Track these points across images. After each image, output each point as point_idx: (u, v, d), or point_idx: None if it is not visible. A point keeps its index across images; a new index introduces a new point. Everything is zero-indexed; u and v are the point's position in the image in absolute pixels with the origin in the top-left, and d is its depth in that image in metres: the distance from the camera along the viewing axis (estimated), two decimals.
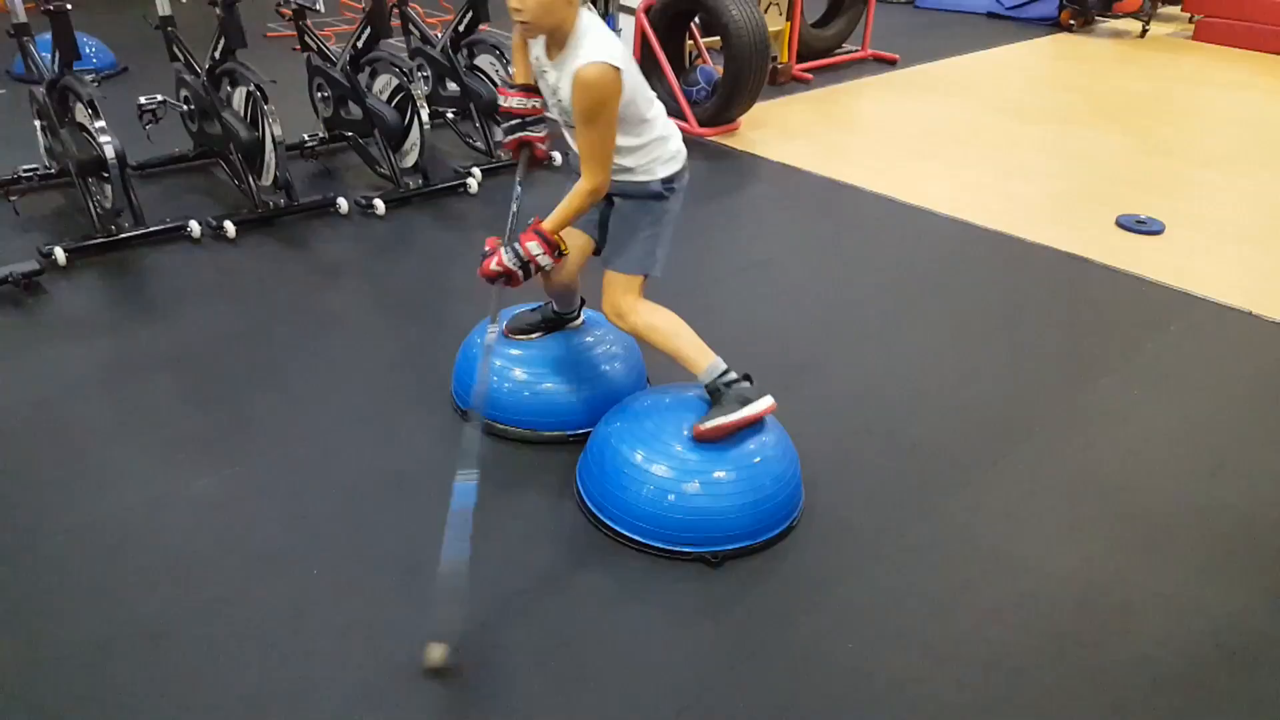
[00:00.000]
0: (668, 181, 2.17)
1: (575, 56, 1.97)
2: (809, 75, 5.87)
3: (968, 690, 1.86)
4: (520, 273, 2.14)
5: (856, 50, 6.38)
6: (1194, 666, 1.93)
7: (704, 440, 2.14)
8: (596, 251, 2.33)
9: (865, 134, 5.16)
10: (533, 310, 2.59)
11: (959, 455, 2.55)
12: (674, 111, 4.91)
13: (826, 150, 4.79)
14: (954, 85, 6.05)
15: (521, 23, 1.97)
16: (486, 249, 2.18)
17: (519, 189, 2.29)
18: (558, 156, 3.80)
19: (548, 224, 2.12)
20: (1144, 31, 7.60)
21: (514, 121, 2.28)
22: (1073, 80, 6.40)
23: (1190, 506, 2.39)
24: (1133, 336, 3.19)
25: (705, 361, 2.17)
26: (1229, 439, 2.67)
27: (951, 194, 4.27)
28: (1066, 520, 2.34)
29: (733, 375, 2.18)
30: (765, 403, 2.18)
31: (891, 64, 6.30)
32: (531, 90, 2.24)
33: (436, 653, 1.79)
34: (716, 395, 2.17)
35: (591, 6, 2.06)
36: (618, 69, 1.94)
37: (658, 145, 2.14)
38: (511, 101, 2.26)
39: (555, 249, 2.12)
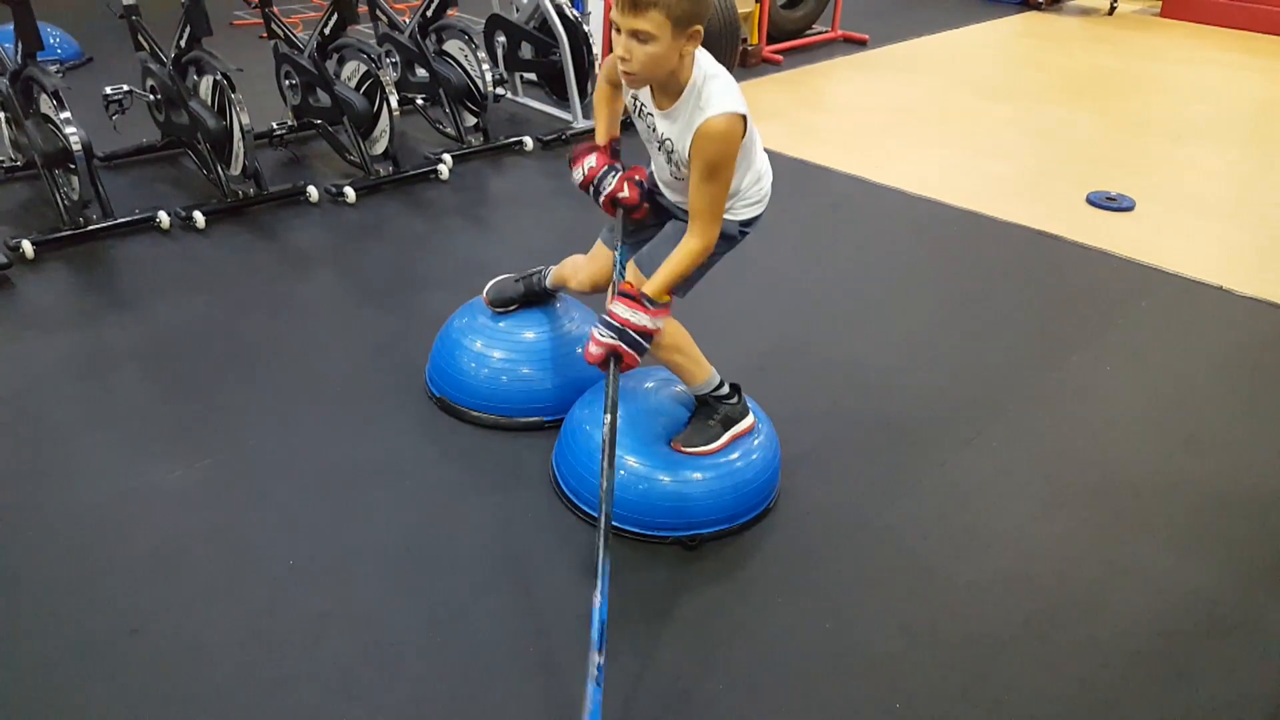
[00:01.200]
0: (745, 225, 2.06)
1: (697, 108, 1.80)
2: (779, 57, 5.87)
3: (946, 668, 1.88)
4: (624, 345, 1.89)
5: (826, 31, 6.37)
6: (1169, 640, 1.97)
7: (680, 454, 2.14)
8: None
9: (836, 115, 5.17)
10: (517, 280, 2.53)
11: (933, 434, 2.57)
12: None
13: (798, 131, 4.79)
14: (924, 64, 6.07)
15: (627, 73, 1.79)
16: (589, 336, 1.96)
17: (619, 254, 2.09)
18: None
19: (652, 287, 1.91)
20: (1112, 9, 7.64)
21: (592, 188, 2.11)
22: (1042, 58, 6.43)
23: (1163, 480, 2.43)
24: (1104, 313, 3.22)
25: (703, 375, 2.13)
26: (1200, 413, 2.71)
27: (923, 173, 4.29)
28: (1041, 497, 2.37)
29: (725, 390, 2.16)
30: (747, 423, 2.19)
31: (862, 44, 6.31)
32: (587, 151, 2.10)
33: None
34: (704, 405, 2.17)
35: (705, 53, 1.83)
36: (743, 116, 1.81)
37: (752, 187, 2.02)
38: (575, 174, 2.11)
39: (652, 303, 1.90)
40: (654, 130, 1.94)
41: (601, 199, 2.10)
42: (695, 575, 2.08)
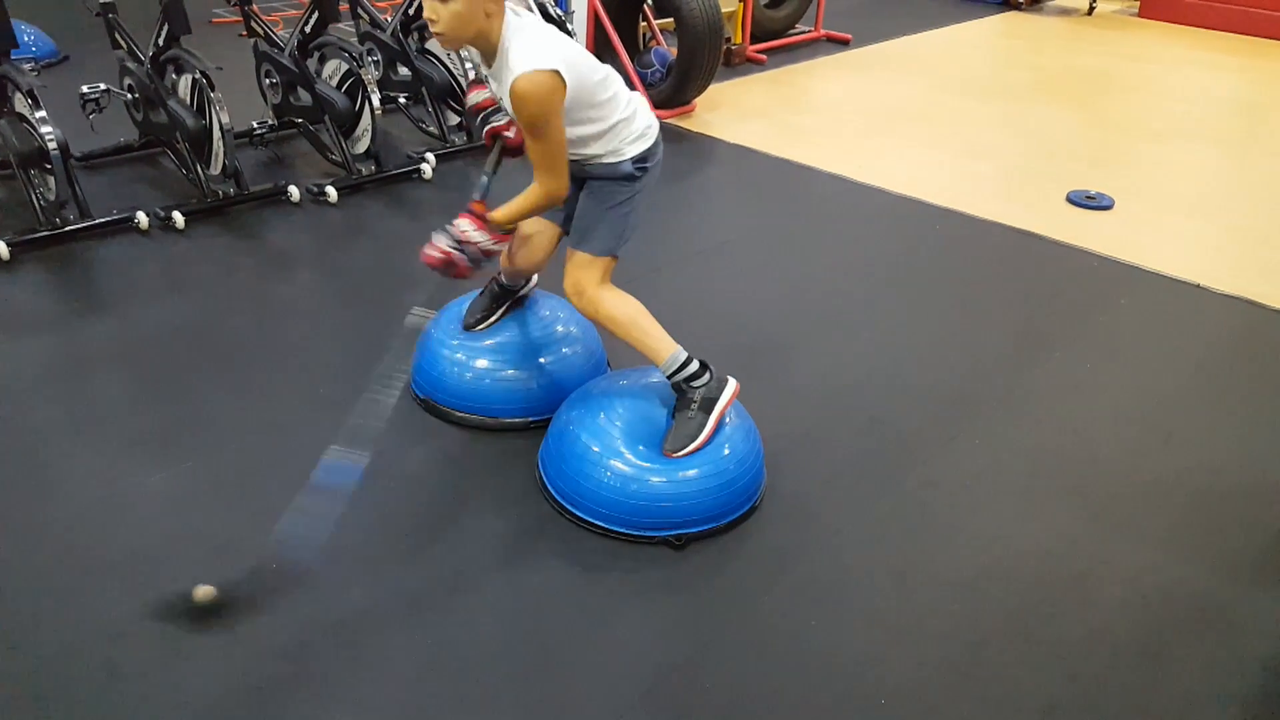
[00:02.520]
0: (639, 161, 2.09)
1: (506, 68, 1.86)
2: (763, 56, 5.88)
3: (929, 665, 1.89)
4: (460, 256, 2.04)
5: (809, 30, 6.39)
6: (1150, 635, 1.99)
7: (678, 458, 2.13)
8: (567, 231, 2.25)
9: (820, 114, 5.19)
10: (481, 294, 2.53)
11: (916, 432, 2.59)
12: None
13: (782, 131, 4.80)
14: (906, 64, 6.10)
15: (438, 34, 1.85)
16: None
17: (485, 179, 2.16)
18: None
19: (498, 214, 2.05)
20: (1091, 9, 7.71)
21: (480, 116, 2.19)
22: (1023, 58, 6.48)
23: (1143, 477, 2.45)
24: (1084, 311, 3.25)
25: (667, 351, 2.14)
26: (1180, 410, 2.74)
27: (905, 173, 4.31)
28: (1022, 494, 2.38)
29: (694, 367, 2.15)
30: (730, 390, 2.19)
31: (844, 44, 6.33)
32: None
33: (204, 592, 1.88)
34: (681, 395, 2.16)
35: (518, 8, 1.91)
36: (552, 71, 1.83)
37: (622, 126, 2.05)
38: (471, 97, 2.20)
39: (492, 225, 2.04)
40: (495, 94, 2.05)
41: (485, 130, 2.19)
42: (682, 574, 2.08)
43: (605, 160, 2.07)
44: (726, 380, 2.21)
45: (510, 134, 2.16)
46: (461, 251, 2.03)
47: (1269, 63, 6.50)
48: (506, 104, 1.92)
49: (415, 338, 2.12)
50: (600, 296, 2.13)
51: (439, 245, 2.03)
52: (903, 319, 3.17)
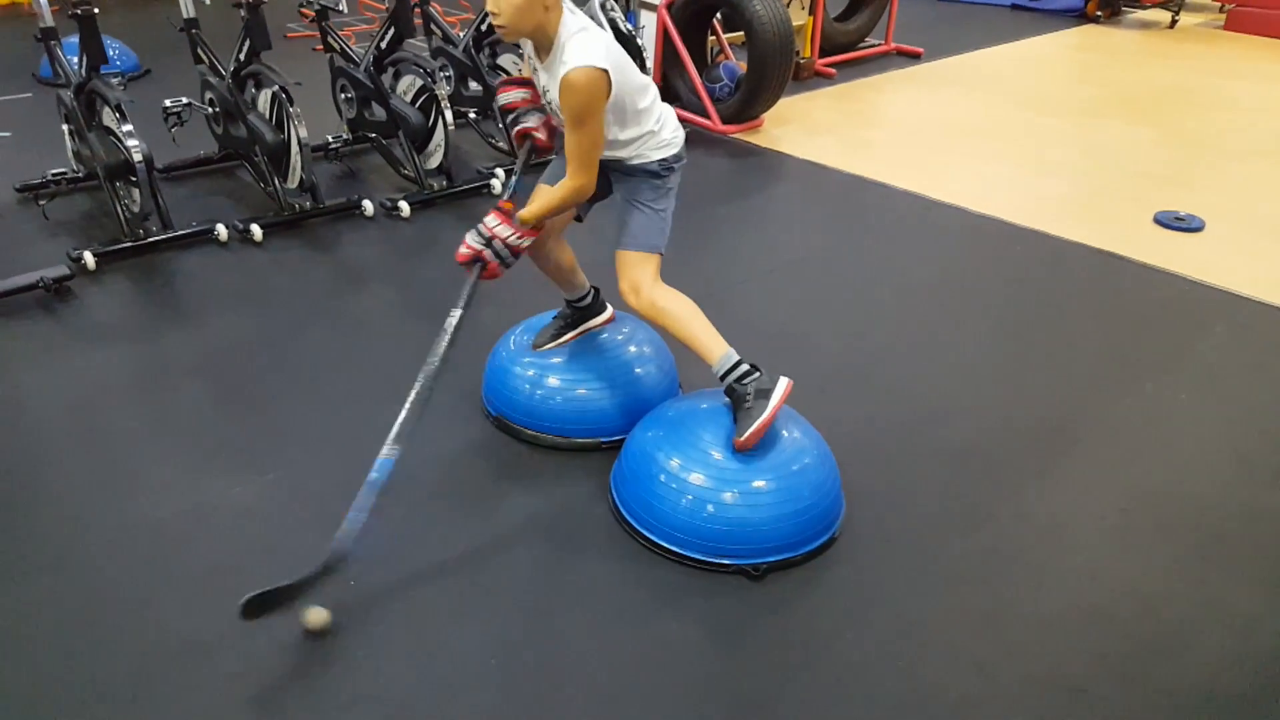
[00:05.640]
0: (665, 163, 2.17)
1: (560, 61, 1.94)
2: (832, 70, 5.81)
3: (1023, 712, 1.80)
4: (490, 254, 2.11)
5: (880, 44, 6.30)
6: (1260, 687, 1.87)
7: (747, 449, 2.09)
8: (579, 218, 2.34)
9: (891, 129, 5.09)
10: (556, 317, 2.55)
11: (1003, 463, 2.49)
12: (697, 108, 4.87)
13: (852, 146, 4.72)
14: (979, 79, 5.97)
15: (499, 26, 1.95)
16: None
17: (512, 178, 2.27)
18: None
19: (526, 211, 2.11)
20: (1173, 22, 7.48)
21: (510, 116, 2.26)
22: (1100, 73, 6.30)
23: (1248, 515, 2.33)
24: (1176, 338, 3.12)
25: (719, 350, 2.14)
26: None
27: (981, 190, 4.20)
28: (1118, 531, 2.28)
29: (744, 368, 2.13)
30: (783, 385, 2.14)
31: (915, 58, 6.22)
32: (525, 83, 2.23)
33: (318, 616, 1.85)
34: (735, 398, 2.13)
35: (574, 8, 2.01)
36: (603, 71, 1.92)
37: (650, 137, 2.13)
38: (502, 97, 2.26)
39: (520, 223, 2.09)
40: (541, 86, 2.10)
41: (515, 130, 2.24)
42: (759, 605, 2.02)
43: (632, 161, 2.16)
44: (779, 377, 2.17)
45: (540, 135, 2.23)
46: (490, 248, 2.10)
47: None
48: (554, 95, 1.98)
49: (452, 338, 2.16)
50: (656, 293, 2.17)
51: (469, 242, 2.12)
52: (986, 343, 3.07)
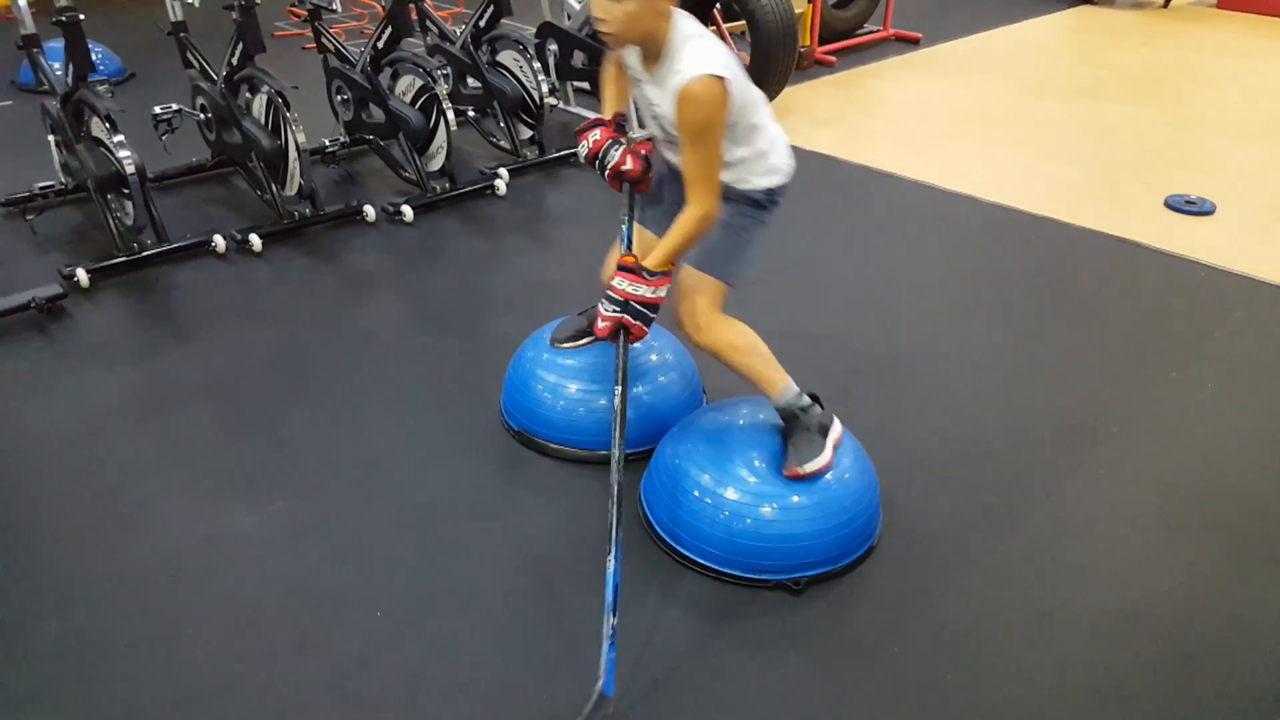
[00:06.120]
0: (772, 193, 2.01)
1: (674, 70, 1.78)
2: (832, 58, 5.73)
3: None
4: (628, 317, 1.91)
5: (878, 30, 6.22)
6: None
7: (798, 479, 2.02)
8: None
9: (895, 117, 5.02)
10: (580, 314, 2.46)
11: (1035, 461, 2.44)
12: None
13: (858, 136, 4.65)
14: (979, 63, 5.90)
15: (607, 34, 1.79)
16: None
17: (624, 227, 2.05)
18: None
19: (653, 259, 1.89)
20: (1167, 1, 7.42)
21: (598, 161, 2.07)
22: (1098, 54, 6.24)
23: None
24: (1197, 326, 3.06)
25: (781, 382, 2.05)
26: None
27: (990, 178, 4.14)
28: (1157, 528, 2.22)
29: (806, 400, 2.07)
30: (838, 426, 2.10)
31: (914, 43, 6.15)
32: (593, 125, 2.08)
33: None
34: (793, 421, 2.05)
35: (686, 13, 1.84)
36: (722, 80, 1.76)
37: (758, 159, 1.96)
38: (580, 149, 2.09)
39: (645, 272, 1.89)
40: (647, 98, 1.92)
41: (606, 173, 2.06)
42: (802, 622, 1.96)
43: (734, 186, 1.97)
44: (833, 417, 2.11)
45: (629, 166, 2.03)
46: (628, 311, 1.91)
47: None
48: (666, 109, 1.84)
49: (622, 419, 1.98)
50: (719, 323, 2.02)
51: (605, 313, 1.92)
52: (1007, 336, 3.01)
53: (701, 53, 1.78)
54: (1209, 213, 3.87)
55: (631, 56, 1.91)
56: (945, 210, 3.91)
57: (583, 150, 2.09)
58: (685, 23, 1.83)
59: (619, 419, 1.93)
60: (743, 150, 1.94)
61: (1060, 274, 3.43)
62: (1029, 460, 2.44)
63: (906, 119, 4.97)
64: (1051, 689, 1.82)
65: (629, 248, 2.04)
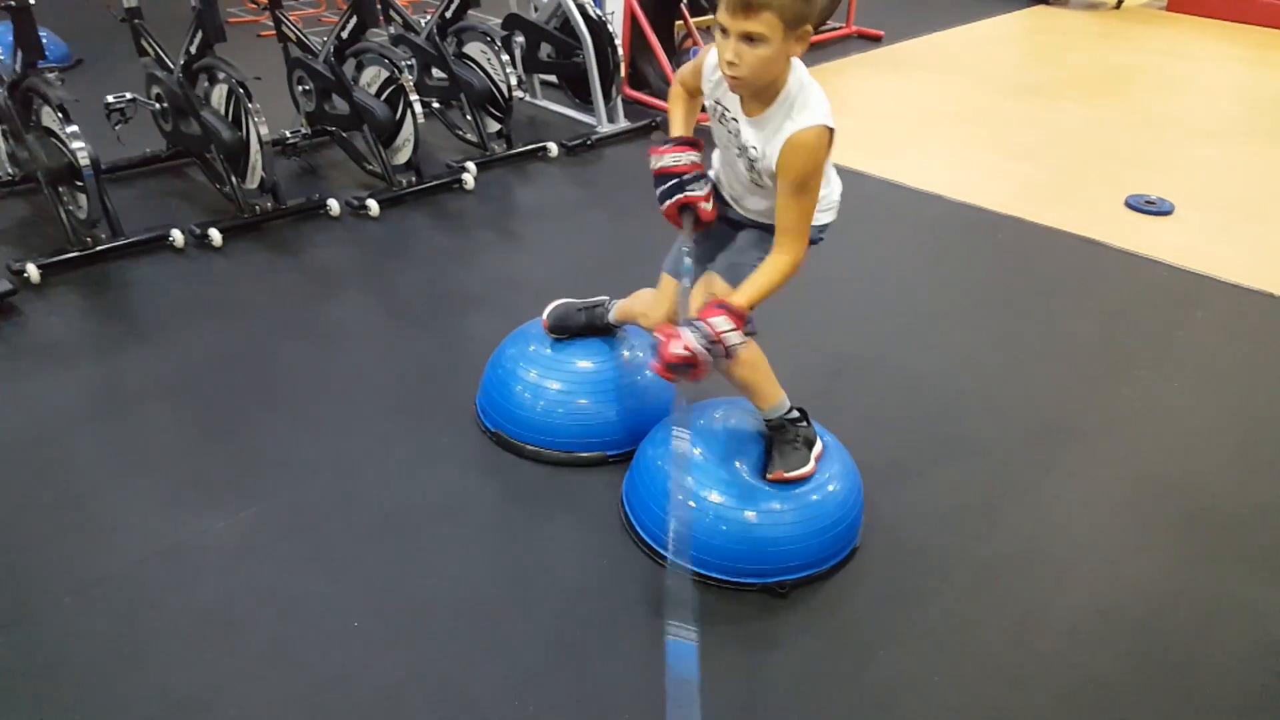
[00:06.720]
0: (822, 229, 1.97)
1: (789, 117, 1.71)
2: None
3: None
4: (707, 356, 1.77)
5: (841, 27, 6.24)
6: None
7: (781, 484, 2.01)
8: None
9: (859, 115, 5.04)
10: (579, 310, 2.38)
11: (1009, 459, 2.45)
12: (666, 95, 4.75)
13: None
14: (940, 61, 5.95)
15: (733, 78, 1.68)
16: (656, 337, 1.80)
17: (688, 260, 1.94)
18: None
19: (743, 300, 1.80)
20: (1119, 3, 7.56)
21: (671, 183, 1.93)
22: (1055, 54, 6.33)
23: (1253, 506, 2.32)
24: (1161, 325, 3.12)
25: (777, 397, 2.03)
26: (1277, 430, 2.61)
27: (956, 177, 4.18)
28: (1132, 526, 2.25)
29: (796, 414, 2.06)
30: (819, 447, 2.09)
31: (876, 40, 6.18)
32: (686, 144, 1.94)
33: None
34: (780, 431, 2.05)
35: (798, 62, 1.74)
36: (831, 130, 1.72)
37: (825, 198, 1.92)
38: (665, 160, 1.93)
39: (746, 321, 1.80)
40: (736, 136, 1.82)
41: (675, 199, 1.93)
42: (788, 626, 1.95)
43: None
44: (817, 434, 2.11)
45: (707, 206, 1.93)
46: (709, 352, 1.76)
47: None
48: (768, 154, 1.75)
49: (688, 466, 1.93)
50: None
51: (690, 344, 1.74)
52: (977, 335, 3.03)
53: (817, 102, 1.72)
54: (1168, 213, 3.94)
55: (728, 96, 1.80)
56: (913, 208, 3.93)
57: (665, 162, 1.93)
58: (800, 69, 1.75)
59: (687, 467, 1.90)
60: (822, 190, 1.88)
61: (1027, 272, 3.47)
62: (1005, 459, 2.46)
63: (873, 117, 5.00)
64: (1036, 690, 1.83)
65: (688, 289, 1.93)
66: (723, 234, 2.04)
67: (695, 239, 2.00)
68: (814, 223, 1.90)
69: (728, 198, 2.00)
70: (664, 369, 1.77)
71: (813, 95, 1.73)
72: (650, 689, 1.79)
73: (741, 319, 1.78)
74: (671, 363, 1.76)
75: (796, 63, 1.73)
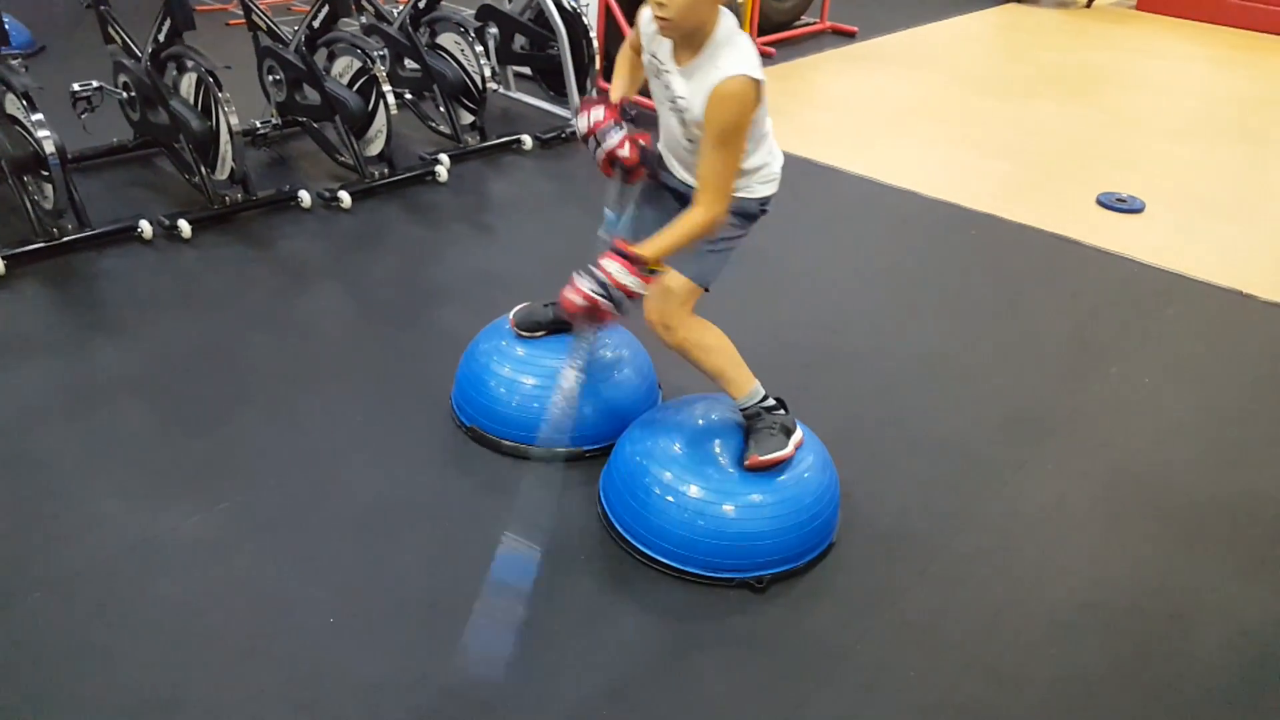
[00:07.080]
0: (764, 202, 1.99)
1: (714, 66, 1.74)
2: (771, 49, 5.73)
3: (1040, 716, 1.78)
4: (605, 303, 1.82)
5: (815, 22, 6.25)
6: (1255, 678, 1.89)
7: (758, 470, 2.01)
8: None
9: (836, 111, 5.05)
10: (546, 305, 2.38)
11: (986, 457, 2.47)
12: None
13: (799, 129, 4.66)
14: (914, 58, 5.98)
15: (662, 19, 1.73)
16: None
17: (615, 214, 2.01)
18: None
19: (648, 250, 1.83)
20: (1090, 1, 7.64)
21: (594, 137, 2.01)
22: (1027, 52, 6.38)
23: (1224, 499, 2.36)
24: (1133, 321, 3.15)
25: (749, 385, 2.03)
26: (1249, 426, 2.65)
27: (930, 173, 4.20)
28: (1106, 521, 2.28)
29: (771, 402, 2.06)
30: (799, 435, 2.09)
31: (850, 36, 6.20)
32: (595, 102, 2.01)
33: None
34: (756, 419, 2.04)
35: (726, 10, 1.80)
36: (759, 83, 1.74)
37: (763, 170, 1.95)
38: (583, 118, 2.01)
39: (642, 267, 1.82)
40: (669, 89, 1.86)
41: (600, 153, 2.01)
42: (766, 621, 1.95)
43: (737, 194, 1.92)
44: (796, 421, 2.10)
45: (625, 152, 1.99)
46: (608, 296, 1.82)
47: (1271, 58, 6.46)
48: (694, 105, 1.78)
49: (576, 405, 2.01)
50: (691, 323, 2.00)
51: (582, 289, 1.81)
52: (953, 331, 3.05)
53: (743, 52, 1.75)
54: (1139, 210, 3.98)
55: (661, 46, 1.85)
56: (888, 205, 3.95)
57: (581, 124, 2.02)
58: (729, 19, 1.79)
59: (570, 407, 1.97)
60: (755, 158, 1.92)
61: (1000, 269, 3.49)
62: (979, 454, 2.48)
63: (847, 113, 5.01)
64: (1011, 683, 1.85)
65: (623, 235, 1.96)
66: (668, 206, 2.06)
67: (637, 200, 2.05)
68: (755, 195, 1.96)
69: (670, 166, 2.04)
70: (572, 314, 1.85)
71: (740, 44, 1.77)
72: (620, 680, 1.79)
73: (637, 265, 1.81)
74: (572, 310, 1.83)
75: (725, 13, 1.78)
